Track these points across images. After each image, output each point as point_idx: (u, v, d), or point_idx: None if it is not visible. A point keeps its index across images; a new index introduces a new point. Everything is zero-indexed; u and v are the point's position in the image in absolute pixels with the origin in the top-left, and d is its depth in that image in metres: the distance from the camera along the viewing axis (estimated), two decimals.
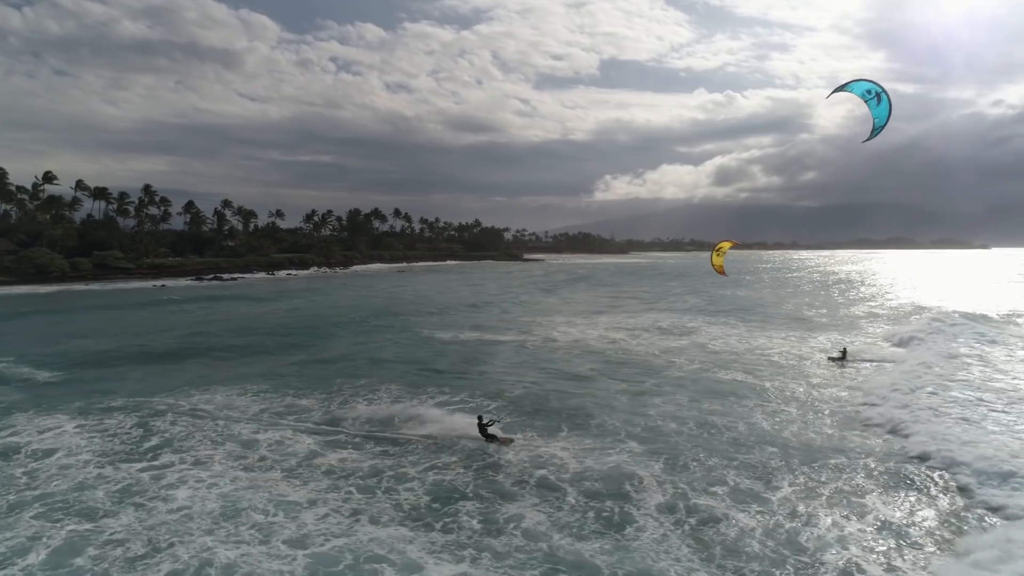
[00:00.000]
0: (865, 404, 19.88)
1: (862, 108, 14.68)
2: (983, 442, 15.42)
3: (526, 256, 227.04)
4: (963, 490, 13.17)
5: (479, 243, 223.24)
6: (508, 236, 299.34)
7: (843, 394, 21.36)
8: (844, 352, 27.56)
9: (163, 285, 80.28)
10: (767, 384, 22.81)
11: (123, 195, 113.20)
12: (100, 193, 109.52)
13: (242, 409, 19.39)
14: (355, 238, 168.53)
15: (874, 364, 26.49)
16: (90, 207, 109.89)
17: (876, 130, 14.70)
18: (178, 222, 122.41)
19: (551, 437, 16.86)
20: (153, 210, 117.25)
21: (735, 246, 23.42)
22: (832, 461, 14.91)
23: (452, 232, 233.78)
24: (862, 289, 72.52)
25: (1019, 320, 38.95)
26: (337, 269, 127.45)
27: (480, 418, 16.59)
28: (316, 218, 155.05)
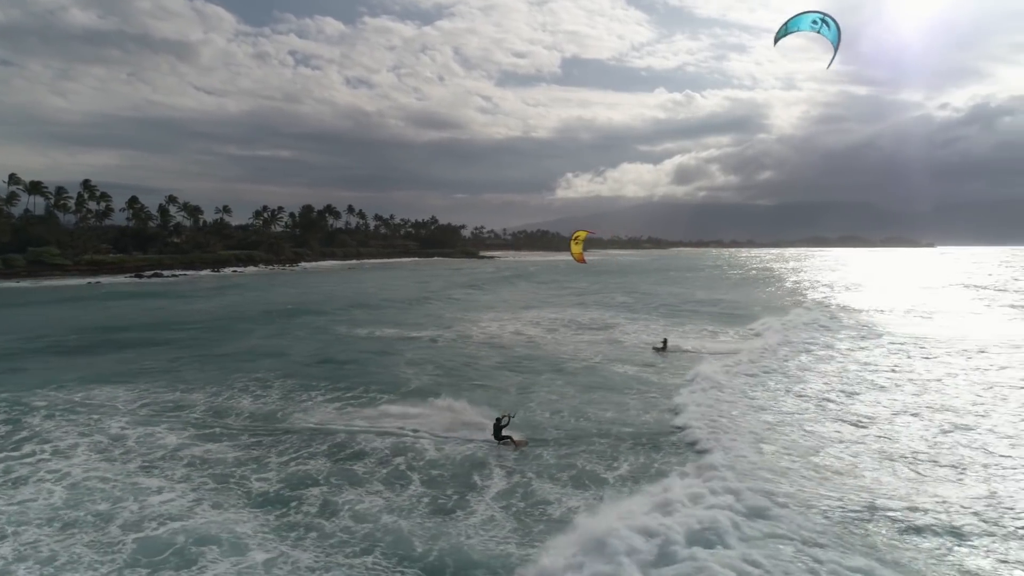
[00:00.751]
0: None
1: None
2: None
3: (482, 254, 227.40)
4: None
5: (436, 240, 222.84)
6: (467, 234, 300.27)
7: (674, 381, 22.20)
8: (665, 342, 29.51)
9: (97, 282, 78.51)
10: (654, 378, 23.71)
11: (60, 190, 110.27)
12: (35, 187, 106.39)
13: (125, 403, 19.51)
14: (307, 235, 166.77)
15: (693, 353, 28.28)
16: (27, 202, 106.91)
17: (835, 52, 15.63)
18: (122, 218, 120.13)
19: None
20: (93, 205, 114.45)
21: (591, 235, 24.31)
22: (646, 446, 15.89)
23: (409, 229, 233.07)
24: (787, 285, 74.55)
25: (878, 316, 41.10)
26: (286, 266, 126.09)
27: (498, 420, 16.16)
28: (266, 214, 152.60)
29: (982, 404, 18.83)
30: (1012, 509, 11.59)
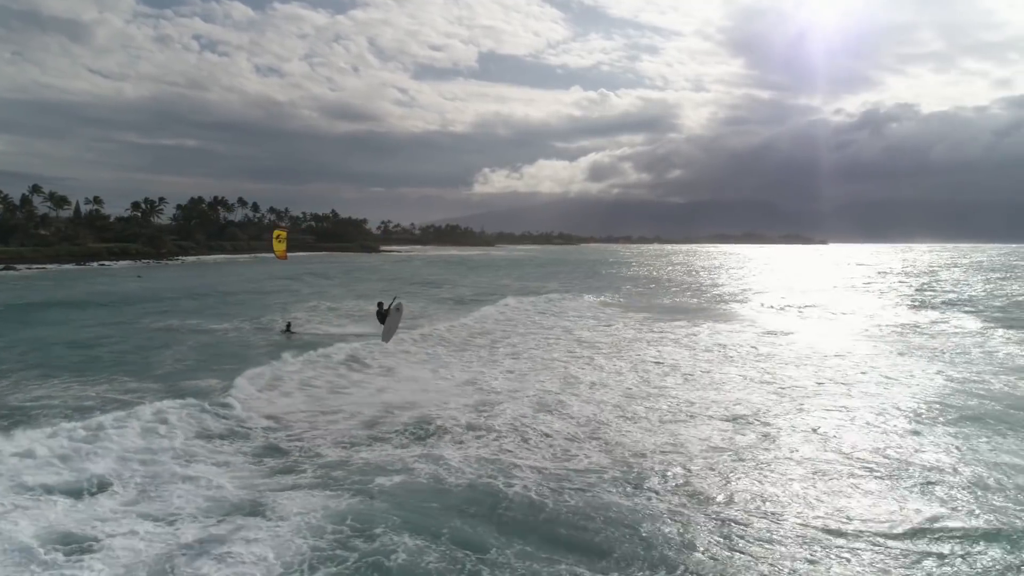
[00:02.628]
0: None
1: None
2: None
3: (383, 248, 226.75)
4: None
5: (336, 234, 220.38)
6: (376, 228, 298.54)
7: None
8: (289, 325, 31.98)
9: None
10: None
11: None
12: None
13: None
14: (192, 228, 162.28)
15: (322, 335, 30.53)
16: None
17: None
18: None
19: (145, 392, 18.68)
20: None
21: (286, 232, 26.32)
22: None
23: (311, 223, 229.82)
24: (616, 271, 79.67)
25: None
26: (163, 260, 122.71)
27: (380, 304, 17.73)
28: (144, 206, 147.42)
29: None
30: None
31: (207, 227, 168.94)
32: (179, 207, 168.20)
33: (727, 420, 16.18)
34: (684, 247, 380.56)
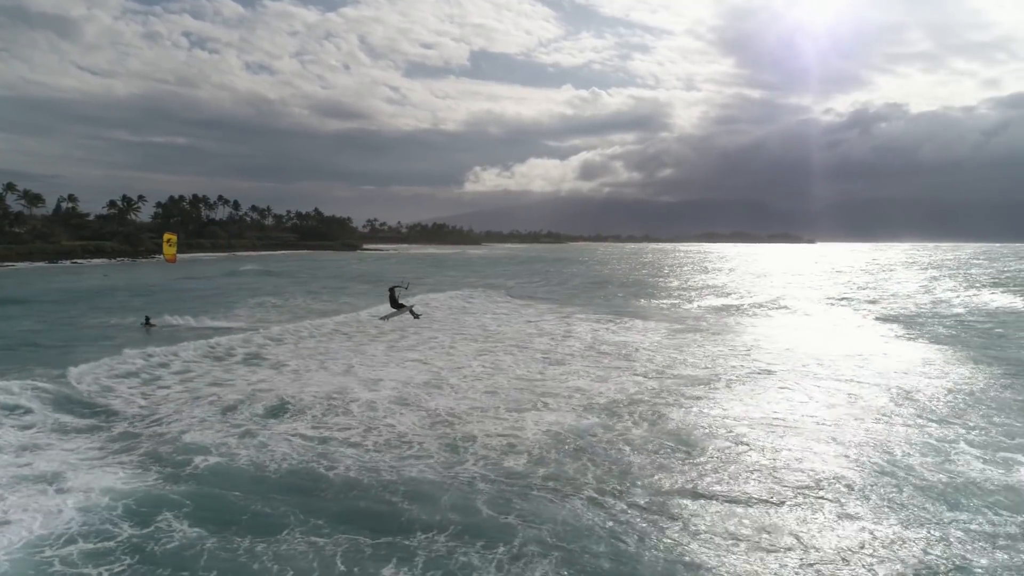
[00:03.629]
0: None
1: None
2: None
3: (366, 246, 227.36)
4: None
5: (319, 233, 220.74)
6: (364, 227, 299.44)
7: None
8: (148, 319, 32.92)
9: None
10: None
11: None
12: None
13: None
14: (173, 226, 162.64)
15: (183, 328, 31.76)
16: None
17: None
18: None
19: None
20: None
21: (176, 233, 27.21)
22: None
23: (295, 221, 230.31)
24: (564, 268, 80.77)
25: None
26: (137, 259, 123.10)
27: (392, 290, 17.63)
28: (121, 204, 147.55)
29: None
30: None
31: (188, 225, 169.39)
32: (159, 205, 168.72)
33: (578, 409, 17.15)
34: (669, 246, 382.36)
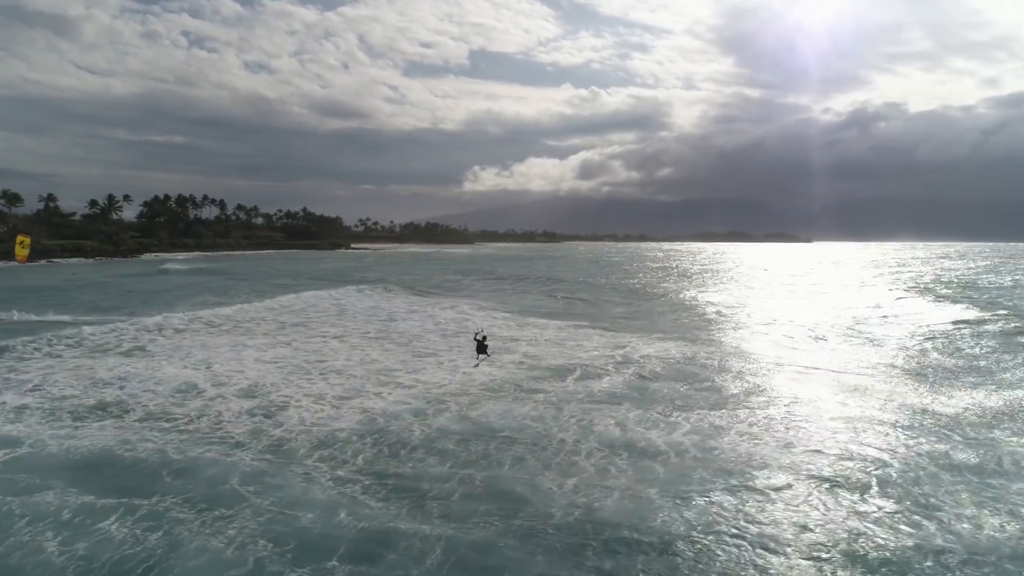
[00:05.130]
0: None
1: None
2: None
3: (353, 245, 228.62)
4: None
5: (307, 231, 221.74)
6: (356, 225, 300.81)
7: None
8: None
9: None
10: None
11: None
12: None
13: None
14: (161, 225, 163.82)
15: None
16: None
17: None
18: None
19: None
20: None
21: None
22: None
23: (285, 220, 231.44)
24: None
25: None
26: (115, 258, 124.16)
27: (476, 336, 18.44)
28: (103, 203, 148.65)
29: None
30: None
31: (175, 225, 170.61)
32: (145, 204, 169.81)
33: (411, 398, 17.94)
34: (664, 245, 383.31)
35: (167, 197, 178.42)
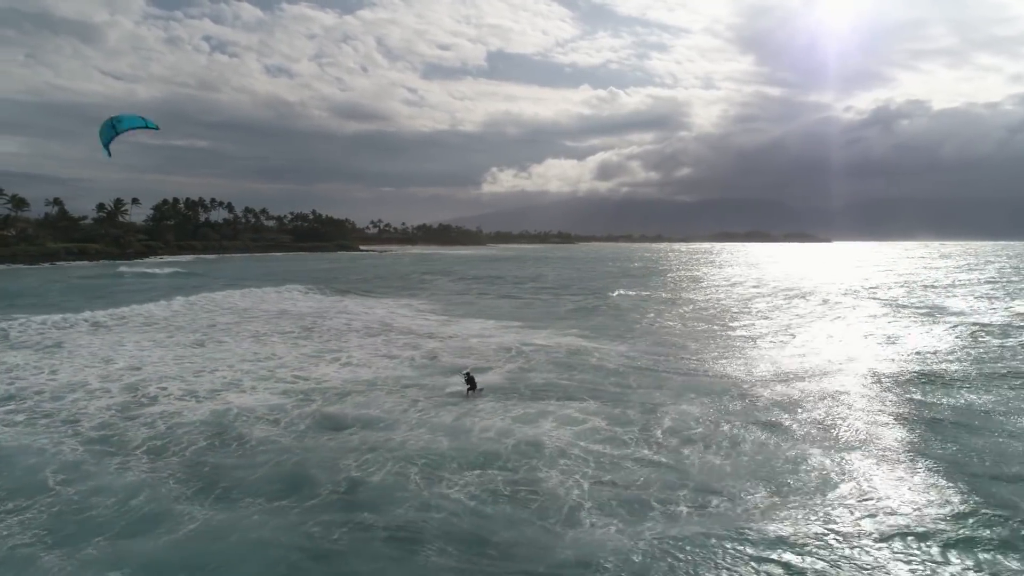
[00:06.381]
0: None
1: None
2: None
3: (362, 247, 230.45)
4: None
5: (316, 233, 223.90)
6: (370, 228, 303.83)
7: None
8: None
9: None
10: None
11: None
12: None
13: None
14: (170, 228, 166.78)
15: None
16: None
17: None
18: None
19: None
20: None
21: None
22: None
23: (296, 222, 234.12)
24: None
25: None
26: (117, 260, 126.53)
27: (467, 374, 18.38)
28: (109, 206, 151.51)
29: None
30: None
31: (185, 227, 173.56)
32: (154, 207, 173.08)
33: (280, 393, 18.43)
34: (678, 246, 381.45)
35: (176, 200, 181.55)
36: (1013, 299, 41.77)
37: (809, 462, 12.78)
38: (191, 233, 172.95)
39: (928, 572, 8.80)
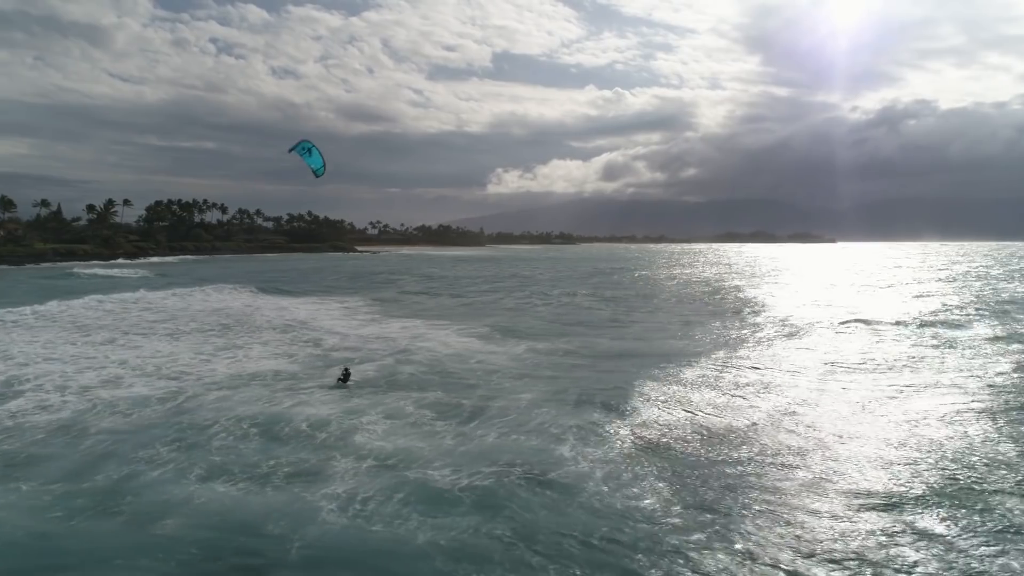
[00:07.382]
0: None
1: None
2: None
3: (357, 248, 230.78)
4: None
5: (312, 234, 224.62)
6: (372, 229, 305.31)
7: None
8: None
9: None
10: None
11: None
12: None
13: None
14: (162, 229, 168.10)
15: None
16: None
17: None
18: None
19: None
20: None
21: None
22: None
23: (293, 223, 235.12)
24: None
25: None
26: (113, 261, 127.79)
27: (344, 369, 19.25)
28: (99, 208, 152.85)
29: None
30: None
31: (178, 228, 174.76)
32: (147, 208, 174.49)
33: (164, 379, 18.97)
34: (675, 247, 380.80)
35: (170, 202, 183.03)
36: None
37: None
38: (184, 234, 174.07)
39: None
